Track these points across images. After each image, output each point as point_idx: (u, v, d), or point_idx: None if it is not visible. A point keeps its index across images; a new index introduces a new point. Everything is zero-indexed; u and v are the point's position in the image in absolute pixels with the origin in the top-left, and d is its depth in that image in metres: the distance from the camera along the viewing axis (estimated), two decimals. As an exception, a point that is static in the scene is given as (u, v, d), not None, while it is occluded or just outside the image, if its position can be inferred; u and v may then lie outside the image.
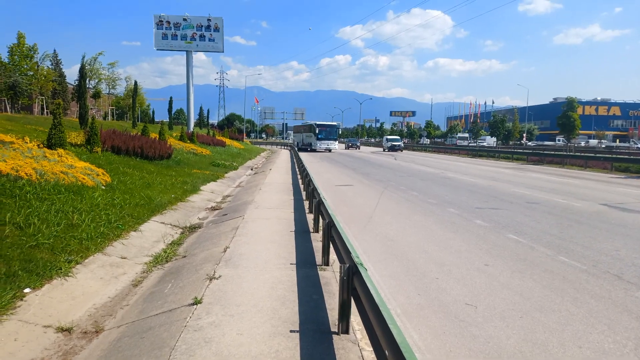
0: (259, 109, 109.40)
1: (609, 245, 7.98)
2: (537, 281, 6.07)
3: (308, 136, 55.41)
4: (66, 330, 4.72)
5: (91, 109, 44.81)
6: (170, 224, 9.77)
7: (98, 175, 11.10)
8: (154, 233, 8.80)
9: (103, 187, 10.54)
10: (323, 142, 51.81)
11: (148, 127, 24.98)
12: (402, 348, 2.54)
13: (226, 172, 21.81)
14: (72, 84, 51.01)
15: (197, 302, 4.93)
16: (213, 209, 12.53)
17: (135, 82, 45.77)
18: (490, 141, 73.10)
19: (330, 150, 52.09)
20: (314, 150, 51.69)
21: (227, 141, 45.18)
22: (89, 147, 15.42)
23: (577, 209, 11.97)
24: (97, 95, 54.53)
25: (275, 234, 8.36)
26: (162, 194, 11.93)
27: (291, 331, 4.21)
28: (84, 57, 29.18)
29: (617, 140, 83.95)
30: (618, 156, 31.54)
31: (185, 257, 7.44)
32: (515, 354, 4.04)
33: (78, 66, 25.84)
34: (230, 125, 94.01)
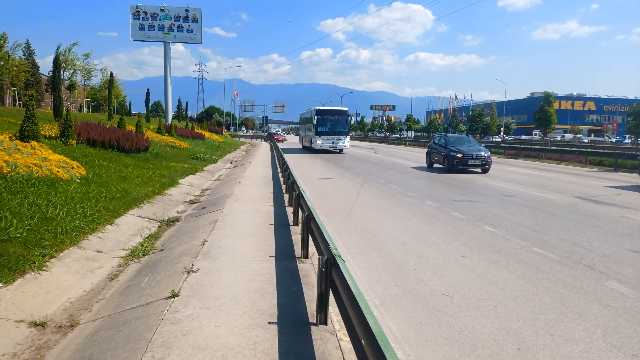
0: (238, 101, 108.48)
1: (581, 237, 8.18)
2: (511, 272, 6.19)
3: (308, 129, 39.45)
4: (40, 325, 4.63)
5: (66, 100, 43.79)
6: (148, 218, 9.65)
7: (73, 168, 10.88)
8: (130, 226, 8.68)
9: (78, 180, 10.33)
10: (326, 137, 34.77)
11: (125, 119, 24.56)
12: (378, 337, 2.57)
13: (205, 165, 21.61)
14: (45, 75, 49.73)
15: (174, 295, 4.89)
16: (192, 202, 12.42)
17: (112, 74, 44.87)
18: (410, 134, 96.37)
19: (340, 151, 35.61)
20: (314, 150, 35.81)
21: (206, 134, 44.75)
22: (63, 139, 15.08)
23: (551, 201, 12.24)
24: (72, 86, 53.26)
25: (254, 227, 8.34)
26: (139, 187, 11.76)
27: (269, 323, 4.21)
28: (58, 48, 28.51)
29: (592, 134, 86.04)
30: (592, 150, 32.30)
31: (162, 250, 7.37)
32: (489, 342, 4.13)
33: (52, 57, 25.17)
34: (210, 118, 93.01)
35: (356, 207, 11.22)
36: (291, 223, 8.72)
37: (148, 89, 58.37)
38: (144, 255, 7.23)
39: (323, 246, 4.90)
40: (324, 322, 4.20)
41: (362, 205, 11.41)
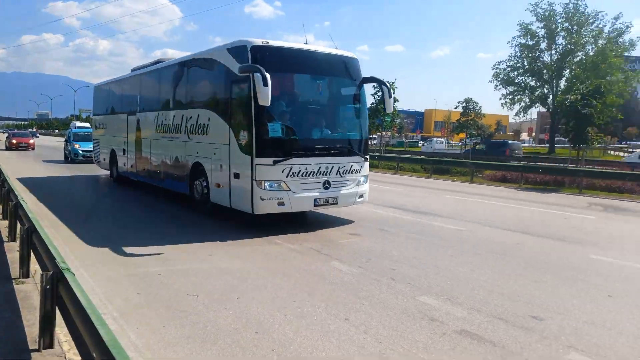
0: None
1: (311, 227, 9.37)
2: (254, 263, 6.66)
3: (192, 129, 9.91)
4: None
5: None
6: None
7: None
8: None
9: None
10: (302, 164, 8.24)
11: None
12: (112, 348, 2.42)
13: None
14: None
15: None
16: None
17: None
18: None
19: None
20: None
21: None
22: None
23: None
24: None
25: (-48, 249, 6.71)
26: None
27: (-26, 361, 3.47)
28: None
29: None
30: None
31: None
32: (230, 332, 4.34)
33: None
34: None
35: (98, 211, 10.20)
36: (6, 239, 7.34)
37: None
38: None
39: (48, 261, 4.33)
40: (50, 346, 3.71)
41: (103, 209, 10.45)
